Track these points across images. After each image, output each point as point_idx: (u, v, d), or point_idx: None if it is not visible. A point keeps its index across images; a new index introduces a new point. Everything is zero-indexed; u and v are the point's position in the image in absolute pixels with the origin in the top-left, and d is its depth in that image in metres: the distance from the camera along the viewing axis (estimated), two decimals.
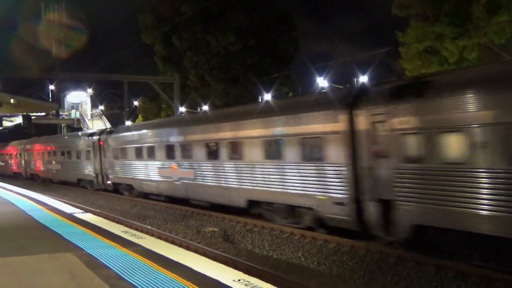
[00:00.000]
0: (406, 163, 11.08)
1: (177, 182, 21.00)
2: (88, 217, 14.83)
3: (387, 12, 29.14)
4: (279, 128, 15.10)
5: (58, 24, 61.20)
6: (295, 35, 47.28)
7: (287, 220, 15.32)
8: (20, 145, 47.61)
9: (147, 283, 6.84)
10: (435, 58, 26.82)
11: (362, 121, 12.25)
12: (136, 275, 7.25)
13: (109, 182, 28.42)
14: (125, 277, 7.18)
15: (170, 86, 45.14)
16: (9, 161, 52.47)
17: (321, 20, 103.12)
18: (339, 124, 12.87)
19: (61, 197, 26.33)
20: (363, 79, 30.64)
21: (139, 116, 58.27)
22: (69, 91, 67.65)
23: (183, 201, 21.31)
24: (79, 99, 68.00)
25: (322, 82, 34.23)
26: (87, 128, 58.95)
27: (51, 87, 60.71)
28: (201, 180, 19.30)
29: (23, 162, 46.76)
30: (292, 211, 15.11)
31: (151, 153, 23.16)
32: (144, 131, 24.67)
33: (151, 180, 23.38)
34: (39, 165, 42.18)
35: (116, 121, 57.56)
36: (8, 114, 47.37)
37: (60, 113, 63.30)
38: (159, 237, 13.90)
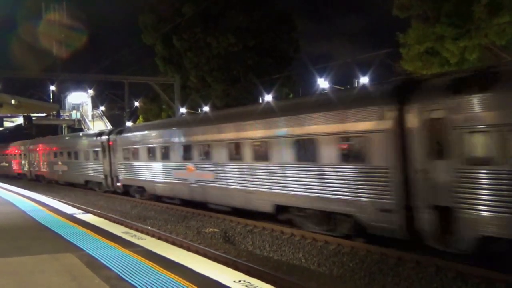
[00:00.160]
0: (471, 165, 9.81)
1: (194, 185, 19.78)
2: (89, 217, 14.83)
3: (387, 13, 29.16)
4: (314, 126, 13.72)
5: (59, 25, 61.30)
6: (295, 36, 47.29)
7: (321, 227, 14.12)
8: (25, 146, 46.61)
9: (148, 284, 6.84)
10: (436, 59, 26.81)
11: (415, 117, 10.90)
12: (137, 276, 7.25)
13: (119, 184, 27.31)
14: (125, 278, 7.18)
15: (171, 87, 45.16)
16: (13, 161, 51.52)
17: (321, 21, 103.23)
18: (386, 121, 11.56)
19: (62, 198, 26.32)
20: (364, 80, 30.64)
21: (140, 117, 58.32)
22: (69, 92, 67.77)
23: (200, 205, 20.07)
24: (80, 100, 68.10)
25: (322, 83, 34.26)
26: (88, 129, 59.00)
27: (52, 87, 60.78)
28: (221, 182, 18.04)
29: (27, 163, 45.80)
30: (327, 218, 13.84)
31: (165, 154, 22.01)
32: (158, 130, 23.55)
33: (165, 182, 22.28)
34: (44, 166, 41.16)
35: (116, 122, 57.59)
36: (9, 115, 47.50)
37: (61, 114, 63.33)
38: (159, 238, 13.91)
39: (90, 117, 66.27)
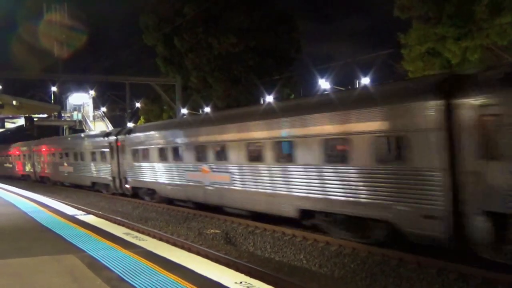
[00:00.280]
0: None
1: (209, 187, 18.77)
2: (90, 219, 14.82)
3: (388, 13, 29.17)
4: (345, 124, 12.70)
5: (60, 25, 61.38)
6: (296, 36, 47.30)
7: (351, 234, 13.16)
8: (29, 146, 45.68)
9: (149, 285, 6.83)
10: (437, 60, 26.80)
11: (465, 114, 9.88)
12: (138, 277, 7.25)
13: (127, 186, 26.26)
14: (126, 279, 7.17)
15: (172, 87, 45.19)
16: (16, 162, 50.46)
17: (322, 21, 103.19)
18: (430, 118, 10.49)
19: (63, 199, 26.31)
20: (365, 81, 30.63)
21: (141, 118, 58.39)
22: (71, 92, 67.86)
23: (216, 209, 19.17)
24: (81, 101, 68.16)
25: (323, 83, 34.25)
26: (89, 130, 59.05)
27: (53, 88, 60.86)
28: (239, 185, 17.03)
29: (32, 164, 44.83)
30: (359, 224, 12.81)
31: (177, 155, 21.04)
32: (170, 130, 22.48)
33: (177, 185, 21.26)
34: (49, 167, 40.30)
35: (118, 123, 57.68)
36: (10, 116, 47.45)
37: (62, 115, 63.38)
38: (160, 239, 13.91)
39: (91, 118, 66.32)
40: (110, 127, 57.08)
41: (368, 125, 12.05)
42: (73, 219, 14.57)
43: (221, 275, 7.25)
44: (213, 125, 18.93)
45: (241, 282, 6.87)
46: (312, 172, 13.82)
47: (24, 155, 47.31)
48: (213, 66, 44.85)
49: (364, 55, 40.06)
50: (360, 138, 12.22)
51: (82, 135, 39.45)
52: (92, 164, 30.76)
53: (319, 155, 13.53)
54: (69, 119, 65.27)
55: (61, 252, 9.31)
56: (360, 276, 11.04)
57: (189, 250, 12.47)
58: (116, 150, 26.93)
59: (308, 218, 14.51)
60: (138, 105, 56.16)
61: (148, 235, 14.34)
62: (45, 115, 56.01)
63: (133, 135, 25.46)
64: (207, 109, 41.25)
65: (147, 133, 24.21)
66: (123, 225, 16.43)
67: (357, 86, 30.14)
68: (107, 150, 28.09)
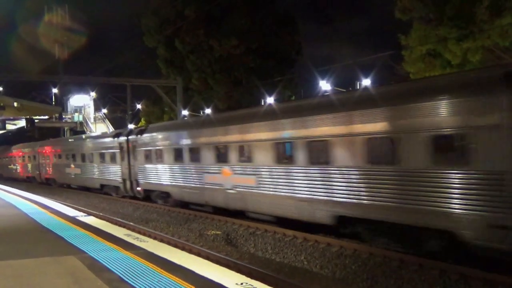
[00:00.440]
0: None
1: (231, 191, 17.52)
2: (91, 220, 14.83)
3: (389, 15, 29.19)
4: (393, 122, 11.47)
5: (61, 27, 61.47)
6: (297, 38, 47.33)
7: (399, 245, 11.98)
8: (34, 147, 44.47)
9: (150, 286, 6.83)
10: (438, 61, 26.80)
11: None
12: (139, 278, 7.24)
13: (139, 188, 25.02)
14: (127, 280, 7.17)
15: (173, 89, 45.21)
16: (21, 164, 49.07)
17: (323, 23, 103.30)
18: (500, 113, 9.29)
19: (64, 200, 26.33)
20: (366, 82, 30.59)
21: (142, 120, 58.44)
22: (72, 94, 68.05)
23: (238, 213, 17.91)
24: (82, 103, 68.34)
25: (324, 85, 34.21)
26: (90, 132, 59.12)
27: (54, 90, 60.98)
28: (266, 188, 15.77)
29: (37, 165, 43.53)
30: (408, 233, 11.58)
31: (195, 155, 19.75)
32: (186, 129, 21.23)
33: (194, 188, 19.95)
34: (55, 169, 39.03)
35: (119, 125, 57.78)
36: (11, 118, 47.51)
37: (63, 117, 63.48)
38: (161, 240, 13.91)
39: (92, 120, 66.44)
40: (111, 129, 57.15)
41: (421, 122, 10.78)
42: (73, 220, 14.58)
43: (222, 276, 7.24)
44: (236, 124, 17.52)
45: (242, 283, 6.87)
46: (353, 175, 12.56)
47: (29, 157, 46.16)
48: (214, 68, 44.87)
49: (365, 57, 40.06)
50: (415, 137, 10.91)
51: (90, 135, 38.47)
52: (101, 165, 29.64)
53: (363, 156, 12.24)
54: (70, 121, 65.40)
55: (62, 253, 9.31)
56: (361, 277, 11.04)
57: (190, 251, 12.48)
58: (127, 151, 25.84)
59: (346, 226, 13.21)
60: (139, 106, 56.20)
61: (149, 236, 14.33)
62: (46, 117, 56.04)
63: (145, 135, 24.20)
64: (208, 111, 41.21)
65: (161, 133, 22.98)
66: (124, 227, 16.44)
67: (358, 87, 30.11)
68: (117, 151, 27.04)
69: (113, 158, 27.68)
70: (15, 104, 27.19)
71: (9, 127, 55.11)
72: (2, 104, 27.71)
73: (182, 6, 45.31)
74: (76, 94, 67.77)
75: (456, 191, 10.14)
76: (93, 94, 63.69)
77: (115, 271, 7.76)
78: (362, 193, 12.33)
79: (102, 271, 7.82)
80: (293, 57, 47.47)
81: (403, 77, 29.75)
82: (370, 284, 10.64)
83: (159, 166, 22.72)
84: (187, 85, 46.52)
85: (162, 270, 7.72)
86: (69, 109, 68.26)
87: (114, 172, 27.73)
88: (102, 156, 29.29)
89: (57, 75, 50.23)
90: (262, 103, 36.36)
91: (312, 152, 13.94)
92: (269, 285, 7.36)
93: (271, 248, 14.10)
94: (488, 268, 9.99)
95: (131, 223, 18.54)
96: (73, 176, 34.95)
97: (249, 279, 7.37)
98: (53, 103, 62.18)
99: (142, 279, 7.22)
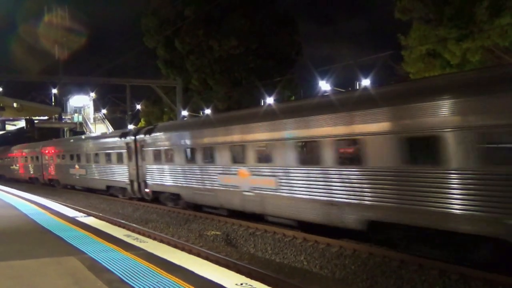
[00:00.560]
0: None
1: (248, 193, 16.53)
2: (91, 221, 14.83)
3: (389, 15, 29.21)
4: (435, 119, 10.44)
5: (61, 28, 61.49)
6: (297, 38, 47.35)
7: (439, 253, 11.09)
8: (38, 148, 43.40)
9: (150, 287, 6.83)
10: (438, 61, 26.82)
11: None
12: (139, 279, 7.25)
13: (147, 190, 24.12)
14: (127, 281, 7.17)
15: (173, 89, 45.25)
16: (24, 165, 47.81)
17: (323, 23, 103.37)
18: None
19: (63, 201, 26.33)
20: (366, 82, 30.60)
21: (142, 120, 58.46)
22: (71, 95, 68.06)
23: (254, 217, 17.02)
24: (81, 103, 68.36)
25: (324, 85, 34.22)
26: (90, 132, 59.11)
27: (54, 91, 60.96)
28: (287, 191, 14.81)
29: (40, 166, 42.46)
30: (451, 241, 10.73)
31: (208, 155, 18.83)
32: (199, 128, 20.14)
33: (207, 189, 18.99)
34: (59, 170, 38.05)
35: (118, 125, 57.76)
36: (11, 118, 47.39)
37: (63, 117, 63.47)
38: (161, 241, 13.91)
39: (92, 120, 66.46)
40: (111, 129, 57.14)
41: (474, 118, 9.80)
42: (73, 221, 14.57)
43: (221, 277, 7.24)
44: (255, 122, 16.45)
45: (241, 284, 6.87)
46: (387, 176, 11.59)
47: (32, 157, 45.08)
48: (214, 68, 44.90)
49: (364, 57, 40.06)
50: (459, 135, 9.99)
51: (96, 135, 37.37)
52: (107, 166, 28.70)
53: (397, 156, 11.31)
54: (70, 121, 65.41)
55: (62, 254, 9.31)
56: (361, 277, 11.04)
57: (190, 251, 12.49)
58: (135, 151, 24.89)
59: (379, 232, 12.25)
60: (138, 107, 56.22)
61: (149, 237, 14.34)
62: (46, 117, 56.01)
63: (154, 134, 23.22)
64: (208, 111, 41.22)
65: (172, 132, 22.03)
66: (123, 227, 16.45)
67: (358, 87, 30.12)
68: (124, 151, 26.10)
69: (120, 159, 26.83)
70: (15, 104, 27.17)
71: (9, 127, 55.04)
72: (1, 105, 27.71)
73: (182, 6, 45.34)
74: (75, 94, 67.78)
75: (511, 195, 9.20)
76: (92, 94, 63.69)
77: (115, 271, 7.77)
78: (398, 196, 11.32)
79: (102, 271, 7.82)
80: (293, 57, 47.49)
81: (402, 77, 29.77)
82: (370, 284, 10.65)
83: (169, 166, 21.82)
84: (186, 85, 46.55)
85: (162, 271, 7.72)
86: (68, 110, 68.28)
87: (121, 173, 26.85)
88: (108, 156, 28.37)
89: (56, 76, 50.27)
90: (262, 104, 36.36)
91: (341, 152, 13.08)
92: (268, 285, 7.36)
93: (271, 249, 14.11)
94: (488, 268, 9.99)
95: (131, 224, 18.55)
96: (77, 177, 34.06)
97: (248, 279, 7.37)
98: (53, 103, 62.13)
99: (142, 279, 7.23)
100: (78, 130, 62.51)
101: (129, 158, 25.55)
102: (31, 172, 45.42)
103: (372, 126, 11.95)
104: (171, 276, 7.37)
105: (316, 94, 32.64)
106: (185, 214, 20.74)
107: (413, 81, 12.87)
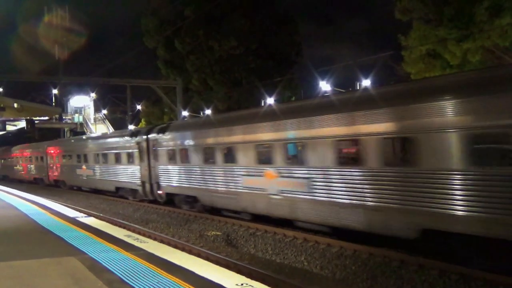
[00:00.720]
0: None
1: (275, 196, 15.22)
2: (91, 221, 14.83)
3: (389, 15, 29.25)
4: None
5: (61, 28, 61.52)
6: (297, 39, 47.37)
7: (506, 264, 9.75)
8: (42, 147, 42.09)
9: (150, 287, 6.84)
10: (438, 62, 26.82)
11: None
12: (139, 279, 7.25)
13: (160, 192, 23.00)
14: (128, 281, 7.18)
15: (173, 90, 45.29)
16: (28, 165, 46.47)
17: (323, 23, 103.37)
18: None
19: (64, 202, 26.34)
20: (366, 82, 30.62)
21: (142, 120, 58.50)
22: (72, 95, 68.11)
23: (278, 221, 16.05)
24: (82, 103, 68.43)
25: (324, 86, 34.23)
26: (90, 132, 59.13)
27: (54, 91, 61.00)
28: (322, 195, 13.45)
29: (45, 166, 41.12)
30: None
31: (229, 155, 17.53)
32: (219, 126, 18.66)
33: (228, 192, 17.73)
34: (65, 170, 36.83)
35: (119, 125, 57.80)
36: (11, 118, 47.35)
37: (63, 117, 63.49)
38: (162, 241, 13.92)
39: (92, 121, 66.49)
40: (111, 130, 57.16)
41: None
42: (74, 221, 14.58)
43: (222, 277, 7.25)
44: (280, 119, 15.16)
45: (242, 284, 6.87)
46: (447, 179, 10.24)
47: (36, 157, 43.73)
48: (214, 69, 44.92)
49: (365, 57, 40.08)
50: None
51: (104, 134, 36.26)
52: (116, 167, 27.44)
53: (460, 156, 9.99)
54: (70, 122, 65.44)
55: (62, 254, 9.32)
56: (361, 277, 11.05)
57: (190, 252, 12.49)
58: (147, 151, 23.70)
59: (434, 240, 10.97)
60: (139, 107, 56.26)
61: (149, 237, 14.35)
62: (46, 118, 56.02)
63: (168, 133, 21.95)
64: (208, 111, 41.24)
65: (188, 131, 20.80)
66: (124, 227, 16.46)
67: (358, 88, 30.11)
68: (135, 151, 24.87)
69: (130, 159, 25.62)
70: (15, 105, 27.18)
71: (9, 128, 55.05)
72: (2, 105, 27.73)
73: (182, 6, 45.36)
74: (76, 95, 67.84)
75: None
76: (93, 95, 63.76)
77: (115, 272, 7.77)
78: (462, 201, 9.98)
79: (102, 272, 7.82)
80: (293, 58, 47.51)
81: (403, 78, 29.78)
82: (370, 284, 10.65)
83: (185, 167, 20.50)
84: (187, 85, 46.58)
85: (162, 271, 7.73)
86: (69, 110, 68.32)
87: (132, 174, 25.57)
88: (118, 156, 27.20)
89: (57, 76, 50.27)
90: (262, 104, 36.36)
91: (389, 152, 11.78)
92: (269, 285, 7.37)
93: (271, 249, 14.11)
94: (488, 268, 9.99)
95: (131, 224, 18.55)
96: (84, 178, 32.75)
97: (249, 279, 7.37)
98: (53, 104, 62.15)
99: (142, 280, 7.23)
100: (78, 130, 62.54)
101: (141, 158, 24.43)
102: (36, 173, 44.27)
103: (431, 121, 10.45)
104: (172, 276, 7.38)
105: (317, 94, 32.61)
106: (185, 214, 20.75)
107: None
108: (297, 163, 14.57)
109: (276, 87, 39.66)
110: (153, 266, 8.11)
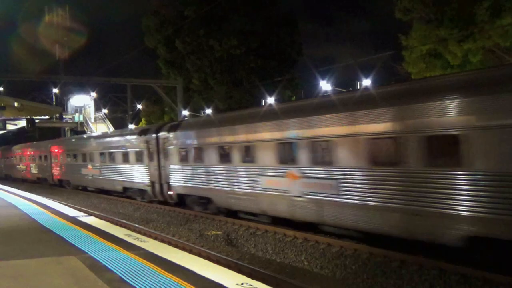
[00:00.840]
0: None
1: (299, 198, 14.27)
2: (92, 220, 14.83)
3: (390, 15, 29.27)
4: None
5: (62, 28, 61.58)
6: (298, 39, 47.40)
7: None
8: (46, 146, 41.27)
9: (150, 287, 6.84)
10: (439, 62, 26.82)
11: None
12: (139, 279, 7.26)
13: (171, 192, 21.99)
14: (128, 281, 7.18)
15: (173, 89, 45.30)
16: (31, 164, 45.40)
17: (324, 23, 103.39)
18: None
19: (64, 201, 26.35)
20: (366, 82, 30.63)
21: (143, 120, 58.52)
22: (72, 94, 68.14)
23: (290, 222, 15.30)
24: (82, 103, 68.44)
25: (325, 85, 34.24)
26: (91, 131, 59.12)
27: (55, 90, 61.02)
28: (352, 197, 12.52)
29: (49, 166, 40.17)
30: None
31: (248, 155, 16.59)
32: (235, 124, 17.63)
33: (245, 193, 16.69)
34: (70, 170, 35.90)
35: (119, 125, 57.79)
36: (12, 118, 47.34)
37: (64, 117, 63.48)
38: (162, 241, 13.93)
39: (92, 120, 66.48)
40: (112, 129, 57.16)
41: None
42: (74, 220, 14.58)
43: (222, 277, 7.25)
44: (305, 116, 14.15)
45: (242, 284, 6.88)
46: (501, 181, 9.25)
47: (40, 156, 42.60)
48: (214, 68, 44.95)
49: (365, 57, 40.10)
50: None
51: (110, 133, 35.73)
52: (124, 166, 26.48)
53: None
54: (71, 121, 65.43)
55: (63, 253, 9.32)
56: (362, 277, 11.04)
57: (190, 251, 12.50)
58: (156, 149, 22.71)
59: (481, 248, 10.00)
60: (139, 106, 56.27)
61: (150, 236, 14.35)
62: (47, 117, 55.97)
63: (180, 131, 21.01)
64: (208, 111, 41.25)
65: (202, 129, 19.73)
66: (124, 227, 16.47)
67: (359, 88, 30.13)
68: (144, 149, 23.91)
69: (139, 158, 24.62)
70: (16, 104, 27.23)
71: (10, 127, 55.05)
72: (2, 104, 27.78)
73: (182, 6, 45.38)
74: (76, 94, 67.87)
75: None
76: (93, 94, 63.74)
77: (115, 271, 7.78)
78: None
79: (102, 271, 7.83)
80: (293, 58, 47.56)
81: (403, 77, 29.79)
82: (370, 284, 10.65)
83: (198, 167, 19.51)
84: (187, 85, 46.61)
85: (162, 270, 7.73)
86: (69, 109, 68.32)
87: (140, 174, 24.56)
88: (125, 155, 26.22)
89: (57, 75, 50.40)
90: (263, 104, 36.37)
91: (433, 151, 10.56)
92: (269, 285, 7.37)
93: (272, 249, 14.11)
94: (488, 268, 9.99)
95: (132, 224, 18.56)
96: (90, 177, 31.79)
97: (249, 279, 7.37)
98: (54, 103, 62.20)
99: (142, 279, 7.24)
100: (79, 129, 62.53)
101: (150, 157, 23.42)
102: (39, 172, 43.35)
103: (481, 117, 9.43)
104: (172, 275, 7.38)
105: (317, 94, 32.58)
106: (185, 214, 20.74)
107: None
108: (324, 163, 13.54)
109: (276, 87, 39.69)
110: (153, 265, 8.11)
